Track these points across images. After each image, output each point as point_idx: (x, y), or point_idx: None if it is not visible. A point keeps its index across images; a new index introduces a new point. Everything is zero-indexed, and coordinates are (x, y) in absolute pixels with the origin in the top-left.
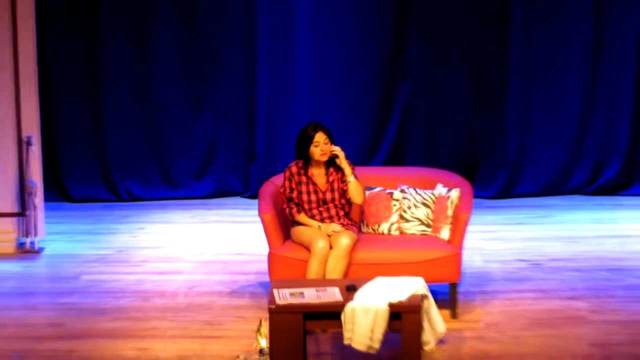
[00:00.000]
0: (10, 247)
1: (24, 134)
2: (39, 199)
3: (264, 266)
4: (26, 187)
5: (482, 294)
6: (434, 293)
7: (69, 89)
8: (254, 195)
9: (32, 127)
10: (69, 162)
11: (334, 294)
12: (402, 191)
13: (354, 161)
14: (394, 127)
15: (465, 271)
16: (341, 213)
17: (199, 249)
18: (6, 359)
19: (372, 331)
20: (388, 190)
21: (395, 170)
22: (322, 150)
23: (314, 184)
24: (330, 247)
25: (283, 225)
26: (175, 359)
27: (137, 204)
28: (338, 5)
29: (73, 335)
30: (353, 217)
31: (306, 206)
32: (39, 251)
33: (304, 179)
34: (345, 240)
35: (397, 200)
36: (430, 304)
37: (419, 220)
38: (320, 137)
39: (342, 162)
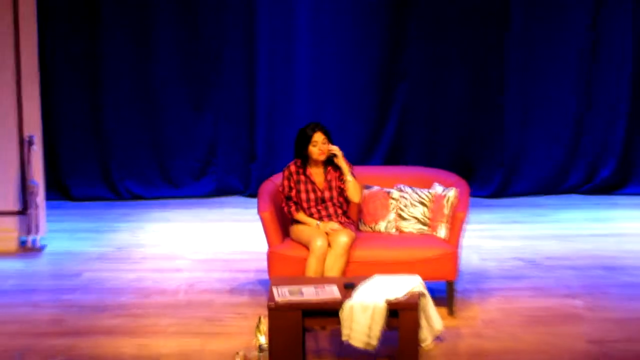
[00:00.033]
0: (12, 245)
1: (26, 134)
2: (40, 197)
3: (264, 264)
4: (28, 186)
5: (479, 291)
6: (431, 291)
7: (70, 88)
8: (253, 194)
9: (33, 126)
10: (70, 161)
11: (332, 292)
12: (400, 190)
13: (353, 160)
14: (392, 127)
15: (462, 269)
16: (339, 211)
17: (199, 247)
18: (8, 356)
19: (370, 328)
20: (386, 189)
21: (393, 169)
22: (321, 150)
23: (313, 182)
24: (329, 245)
25: (282, 224)
26: (175, 356)
27: (138, 203)
28: (338, 5)
29: (74, 332)
30: (351, 215)
31: (305, 205)
32: (40, 249)
33: (302, 177)
34: (343, 238)
35: (394, 199)
36: (428, 302)
37: (416, 218)
38: (318, 137)
39: (341, 161)
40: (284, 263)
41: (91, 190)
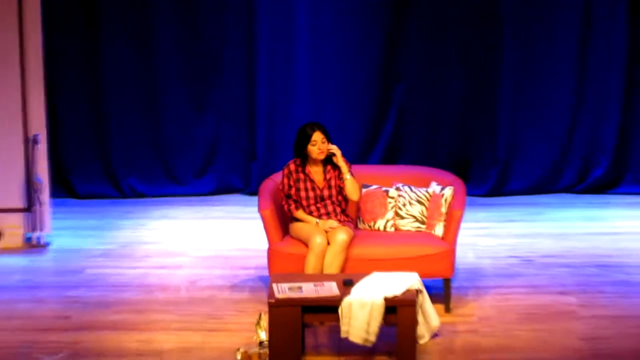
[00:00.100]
0: (17, 242)
1: (31, 133)
2: (45, 195)
3: (264, 261)
4: (33, 184)
5: (474, 289)
6: (428, 288)
7: (75, 89)
8: (253, 192)
9: (38, 125)
10: (74, 160)
11: (331, 289)
12: (398, 189)
13: (351, 159)
14: (390, 127)
15: (458, 267)
16: (338, 209)
17: (200, 244)
18: (13, 350)
19: (368, 324)
20: (384, 188)
21: (391, 168)
22: (320, 149)
23: (312, 181)
24: (328, 243)
25: (282, 222)
26: (177, 351)
27: (141, 201)
28: (337, 5)
29: (78, 327)
30: (350, 213)
31: (304, 203)
32: (45, 246)
33: (302, 176)
34: (342, 236)
35: (392, 197)
36: (425, 299)
37: (414, 217)
38: (317, 136)
39: (339, 160)
40: (284, 260)
41: (95, 188)
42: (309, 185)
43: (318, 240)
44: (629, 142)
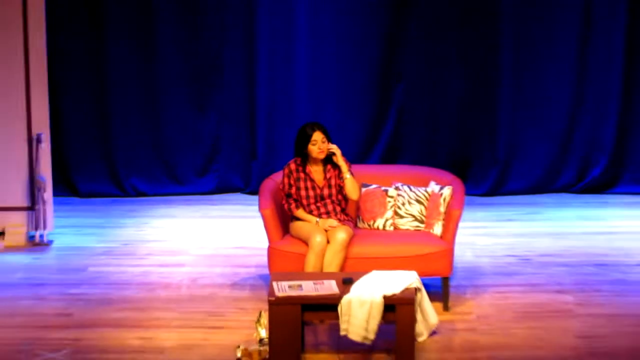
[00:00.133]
0: (20, 240)
1: (34, 132)
2: (48, 193)
3: (264, 259)
4: (36, 183)
5: (473, 287)
6: (426, 286)
7: (78, 89)
8: (254, 192)
9: (42, 125)
10: (77, 159)
11: (330, 287)
12: (397, 188)
13: (351, 159)
14: (389, 127)
15: (456, 265)
16: (338, 209)
17: (201, 242)
18: (16, 347)
19: (368, 322)
20: (383, 188)
21: (390, 168)
22: (320, 149)
23: (312, 180)
24: (328, 242)
25: (282, 221)
26: (178, 348)
27: (143, 199)
28: (337, 5)
29: (80, 324)
30: (349, 212)
31: (304, 202)
32: (48, 244)
33: (302, 175)
34: (341, 235)
35: (391, 197)
36: (423, 297)
37: (413, 216)
38: (317, 136)
39: (339, 159)
40: (284, 259)
41: (98, 187)
42: (309, 184)
43: (318, 239)
44: (628, 143)
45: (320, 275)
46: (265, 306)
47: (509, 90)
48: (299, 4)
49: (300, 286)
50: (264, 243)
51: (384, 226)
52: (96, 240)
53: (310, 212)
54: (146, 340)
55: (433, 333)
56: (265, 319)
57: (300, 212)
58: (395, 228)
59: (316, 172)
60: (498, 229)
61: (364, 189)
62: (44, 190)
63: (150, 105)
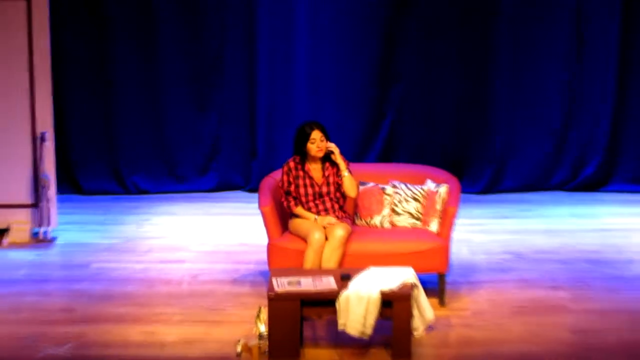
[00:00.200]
0: (24, 237)
1: (39, 131)
2: (52, 191)
3: (264, 256)
4: (40, 180)
5: (468, 283)
6: (423, 282)
7: (81, 89)
8: (254, 189)
9: (45, 124)
10: (81, 157)
11: (329, 283)
12: (394, 186)
13: (349, 157)
14: (387, 126)
15: (452, 262)
16: (336, 206)
17: (202, 239)
18: (20, 342)
19: (365, 318)
20: (380, 186)
21: (387, 166)
22: (318, 147)
23: (311, 178)
24: (326, 239)
25: (281, 218)
26: (179, 343)
27: (144, 197)
28: (337, 5)
29: (83, 320)
30: (347, 210)
31: (303, 199)
32: (51, 240)
33: (301, 173)
34: (340, 232)
35: (389, 194)
36: (420, 293)
37: (410, 213)
38: (316, 135)
39: (337, 157)
40: (283, 255)
41: (100, 185)
42: (307, 182)
43: (316, 236)
44: (620, 142)
45: (318, 271)
46: (265, 302)
47: (504, 90)
48: (299, 4)
49: (299, 282)
50: (264, 240)
51: (382, 223)
52: (99, 237)
53: (309, 210)
54: (148, 335)
55: (429, 328)
56: (264, 315)
57: (299, 210)
58: (393, 225)
59: (315, 170)
60: (493, 226)
61: (361, 187)
62: (48, 188)
63: (151, 104)
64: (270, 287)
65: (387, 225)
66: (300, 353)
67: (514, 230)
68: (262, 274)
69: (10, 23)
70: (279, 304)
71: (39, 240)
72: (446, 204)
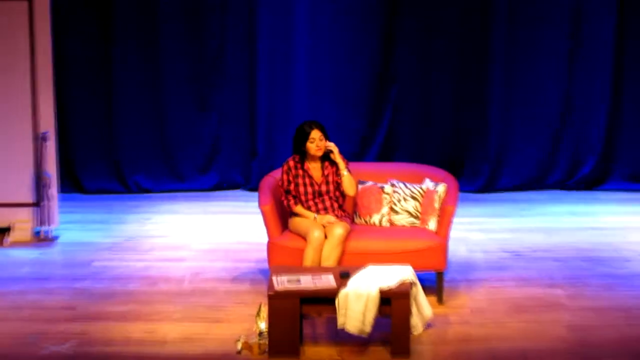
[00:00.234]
0: (26, 235)
1: (40, 130)
2: (53, 190)
3: (264, 254)
4: (42, 179)
5: (466, 281)
6: (421, 280)
7: (84, 89)
8: (254, 188)
9: (47, 123)
10: (83, 157)
11: (328, 281)
12: (393, 185)
13: (348, 157)
14: (385, 125)
15: (451, 260)
16: (335, 205)
17: (203, 237)
18: (22, 340)
19: (364, 315)
20: (379, 185)
21: (386, 165)
22: (318, 146)
23: (310, 177)
24: (325, 237)
25: (281, 216)
26: (180, 340)
27: (146, 196)
28: (337, 5)
29: (85, 317)
30: (346, 208)
31: (303, 198)
32: (53, 239)
33: (300, 172)
34: (339, 230)
35: (387, 193)
36: (418, 291)
37: (408, 212)
38: (315, 134)
39: (337, 157)
40: (283, 253)
41: (102, 184)
42: (307, 181)
43: (316, 234)
44: (616, 141)
45: (318, 269)
46: (265, 300)
47: (501, 89)
48: (299, 4)
49: (298, 280)
50: (264, 238)
51: (380, 222)
52: (100, 236)
53: (309, 208)
54: (149, 333)
55: (428, 326)
56: (264, 312)
57: (298, 208)
58: (391, 224)
59: (314, 169)
60: (491, 225)
61: (360, 186)
62: (50, 187)
63: (153, 104)
64: (270, 285)
65: (385, 223)
66: (300, 350)
67: (512, 228)
68: (262, 272)
69: (12, 23)
70: (278, 301)
71: (40, 239)
72: (444, 203)
